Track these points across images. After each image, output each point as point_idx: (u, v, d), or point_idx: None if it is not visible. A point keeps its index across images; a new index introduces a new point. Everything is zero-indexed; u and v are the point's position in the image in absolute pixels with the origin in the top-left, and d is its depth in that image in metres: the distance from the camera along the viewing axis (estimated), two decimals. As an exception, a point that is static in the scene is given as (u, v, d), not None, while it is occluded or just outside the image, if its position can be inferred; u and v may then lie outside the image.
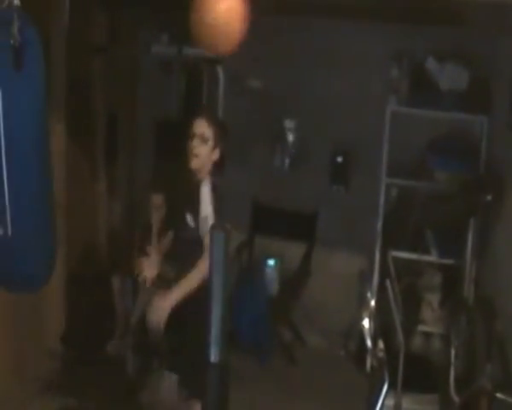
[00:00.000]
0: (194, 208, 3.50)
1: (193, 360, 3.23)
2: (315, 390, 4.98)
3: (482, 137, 4.92)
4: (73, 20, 4.68)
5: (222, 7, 3.72)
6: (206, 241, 3.26)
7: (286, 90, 5.63)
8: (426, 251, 5.06)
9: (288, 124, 5.74)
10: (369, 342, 3.40)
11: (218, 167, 3.63)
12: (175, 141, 5.83)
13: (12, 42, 2.50)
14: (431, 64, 4.95)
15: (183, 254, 3.62)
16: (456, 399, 4.10)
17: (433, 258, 5.07)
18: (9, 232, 2.63)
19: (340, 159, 5.54)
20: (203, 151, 3.52)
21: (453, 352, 4.36)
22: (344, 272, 5.63)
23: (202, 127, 3.53)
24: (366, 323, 3.42)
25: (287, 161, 5.77)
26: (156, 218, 5.32)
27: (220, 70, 5.31)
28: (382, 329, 4.81)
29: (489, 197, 4.34)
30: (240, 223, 5.53)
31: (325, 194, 5.71)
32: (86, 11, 5.24)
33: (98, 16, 5.54)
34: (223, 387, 2.57)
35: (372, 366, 4.68)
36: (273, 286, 5.67)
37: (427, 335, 5.24)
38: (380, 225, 5.17)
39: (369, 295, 3.71)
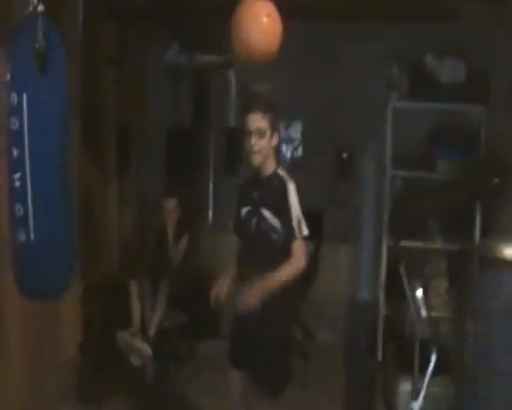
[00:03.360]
0: (276, 206, 3.25)
1: (264, 360, 3.25)
2: (327, 385, 5.06)
3: (480, 125, 5.08)
4: (85, 33, 4.76)
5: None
6: (296, 247, 3.17)
7: (290, 92, 5.78)
8: (432, 239, 5.18)
9: (293, 125, 5.95)
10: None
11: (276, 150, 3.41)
12: (186, 147, 5.99)
13: (37, 46, 2.57)
14: (430, 60, 5.14)
15: (253, 249, 3.35)
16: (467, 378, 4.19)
17: (439, 245, 5.17)
18: (32, 237, 2.67)
19: (345, 155, 5.70)
20: (263, 145, 3.24)
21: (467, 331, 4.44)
22: (352, 267, 5.72)
23: (257, 121, 3.23)
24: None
25: (292, 160, 5.98)
26: (171, 222, 5.45)
27: (232, 75, 5.39)
28: (393, 318, 4.88)
29: (496, 181, 4.45)
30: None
31: (331, 191, 5.88)
32: (98, 23, 5.34)
33: (109, 28, 5.65)
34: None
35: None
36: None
37: (435, 319, 5.33)
38: (386, 216, 5.28)
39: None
